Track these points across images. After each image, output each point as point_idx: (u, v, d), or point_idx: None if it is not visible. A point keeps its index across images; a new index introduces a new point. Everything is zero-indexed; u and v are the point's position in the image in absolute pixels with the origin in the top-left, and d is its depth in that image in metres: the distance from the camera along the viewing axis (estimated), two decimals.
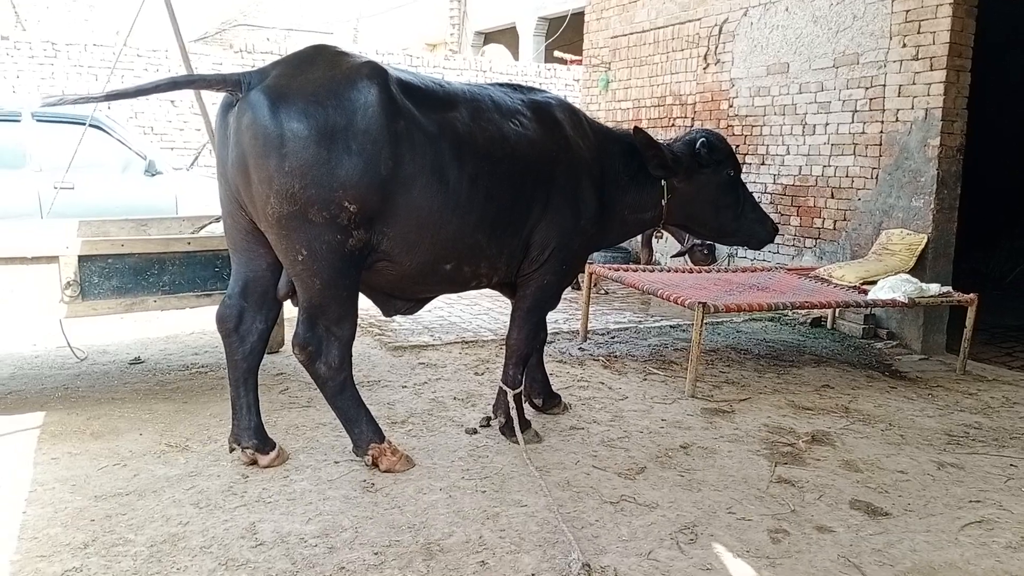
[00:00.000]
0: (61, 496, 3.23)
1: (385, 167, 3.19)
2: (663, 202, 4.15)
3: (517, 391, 3.98)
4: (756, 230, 4.51)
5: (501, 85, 3.95)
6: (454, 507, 3.21)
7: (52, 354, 5.37)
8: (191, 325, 6.22)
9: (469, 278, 3.73)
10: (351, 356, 3.52)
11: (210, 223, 5.21)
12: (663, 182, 4.12)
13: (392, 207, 3.26)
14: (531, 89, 4.03)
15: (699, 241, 8.03)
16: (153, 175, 8.23)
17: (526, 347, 4.01)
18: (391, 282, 3.60)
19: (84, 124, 7.64)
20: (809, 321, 7.01)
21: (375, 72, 3.26)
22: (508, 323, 4.06)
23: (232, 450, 3.59)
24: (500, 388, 4.01)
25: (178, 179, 8.36)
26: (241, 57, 12.72)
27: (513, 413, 3.93)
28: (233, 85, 3.21)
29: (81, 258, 3.86)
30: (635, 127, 4.10)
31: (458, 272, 3.64)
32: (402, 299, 3.82)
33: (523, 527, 3.06)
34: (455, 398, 4.62)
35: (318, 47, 3.46)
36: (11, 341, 5.66)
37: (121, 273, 3.98)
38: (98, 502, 3.18)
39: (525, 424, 3.98)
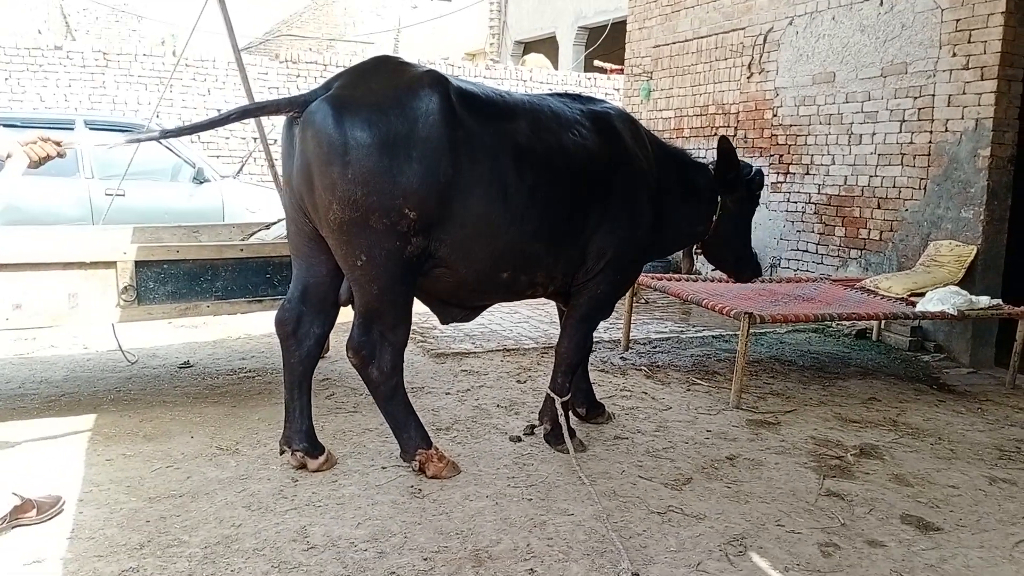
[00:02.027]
0: (116, 497, 3.30)
1: (444, 174, 3.23)
2: (714, 217, 4.24)
3: (565, 399, 3.99)
4: (755, 264, 4.74)
5: (560, 95, 3.99)
6: (501, 514, 3.23)
7: (104, 357, 5.49)
8: (238, 330, 6.32)
9: (526, 287, 3.76)
10: (403, 362, 3.56)
11: (259, 230, 5.29)
12: (719, 198, 4.21)
13: (450, 214, 3.30)
14: (590, 99, 4.07)
15: None
16: (201, 183, 8.40)
17: (576, 356, 4.03)
18: (448, 289, 3.63)
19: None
20: (854, 333, 6.92)
21: (436, 81, 3.31)
22: (553, 331, 4.08)
23: (282, 452, 3.64)
24: (547, 395, 4.03)
25: (225, 186, 8.52)
26: (287, 67, 12.92)
27: (561, 420, 3.93)
28: (301, 107, 3.27)
29: (138, 263, 3.95)
30: (722, 136, 4.24)
31: (515, 281, 3.66)
32: (459, 307, 3.85)
33: (571, 536, 3.07)
34: (498, 405, 4.65)
35: (380, 58, 3.57)
36: (64, 344, 5.81)
37: (176, 278, 4.07)
38: (152, 503, 3.25)
39: (570, 433, 3.98)
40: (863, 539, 3.17)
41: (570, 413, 4.27)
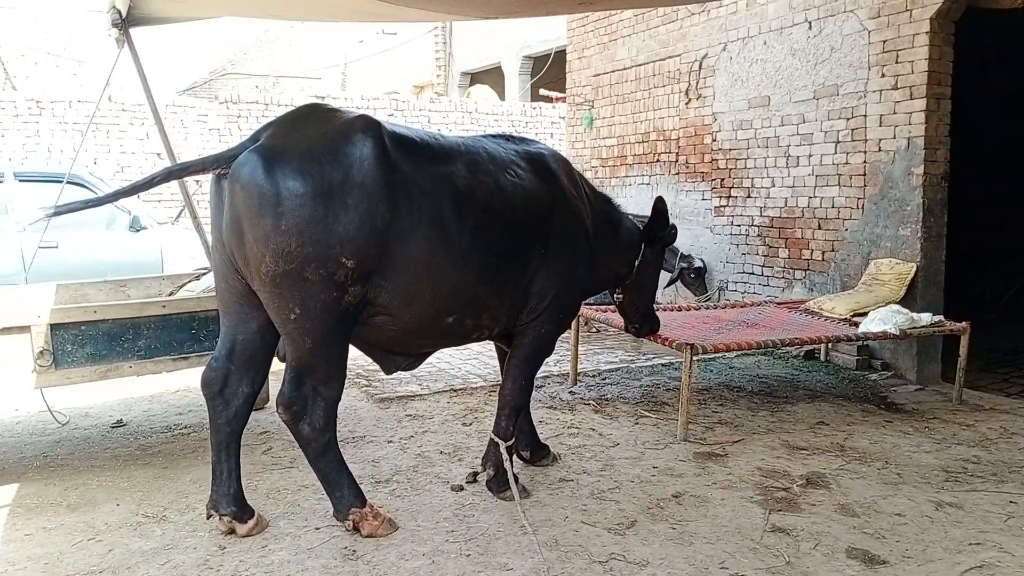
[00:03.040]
0: None
1: (382, 219, 3.15)
2: (636, 263, 4.36)
3: (509, 443, 3.89)
4: (656, 320, 4.86)
5: (495, 136, 4.00)
6: (437, 574, 3.11)
7: (33, 419, 5.27)
8: (176, 383, 6.12)
9: (471, 330, 3.69)
10: (336, 417, 3.44)
11: (189, 281, 5.14)
12: (641, 247, 4.35)
13: (390, 260, 3.22)
14: (524, 140, 4.09)
15: (685, 265, 8.02)
16: (138, 230, 8.21)
17: (520, 398, 3.96)
18: (392, 338, 3.54)
19: (63, 182, 7.65)
20: (803, 354, 6.93)
21: (369, 126, 3.24)
22: (500, 371, 4.01)
23: (209, 516, 3.49)
24: (491, 440, 3.93)
25: (163, 233, 8.32)
26: (227, 108, 12.76)
27: (506, 465, 3.83)
28: (229, 162, 3.16)
29: (53, 326, 3.79)
30: (659, 197, 4.41)
31: (460, 325, 3.59)
32: (402, 354, 3.76)
33: None
34: (442, 452, 4.53)
35: (310, 105, 3.47)
36: None
37: (95, 340, 3.91)
38: None
39: (514, 478, 3.88)
40: None
41: (514, 457, 4.18)
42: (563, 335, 6.88)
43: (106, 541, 3.44)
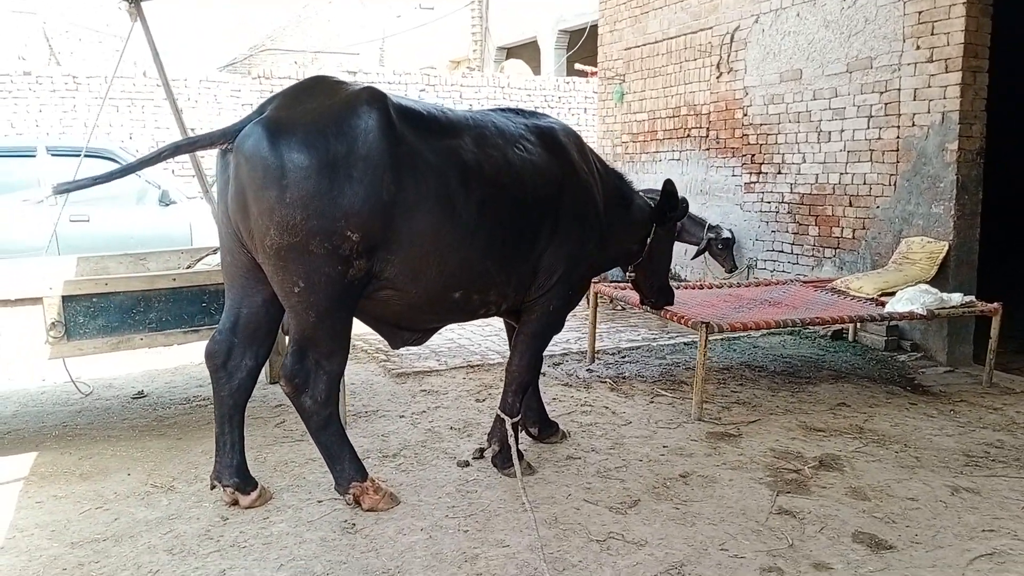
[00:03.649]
0: (38, 543, 3.18)
1: (387, 192, 3.13)
2: (648, 240, 4.29)
3: (515, 420, 3.88)
4: (670, 292, 4.76)
5: (504, 110, 3.94)
6: (433, 549, 3.11)
7: (58, 389, 5.38)
8: (200, 356, 6.18)
9: (478, 306, 3.66)
10: (338, 391, 3.44)
11: (207, 255, 5.18)
12: (652, 224, 4.29)
13: (395, 234, 3.20)
14: (534, 114, 4.02)
15: (713, 235, 7.89)
16: (167, 204, 8.29)
17: (527, 375, 3.93)
18: (398, 312, 3.52)
19: (98, 156, 7.76)
20: (830, 334, 6.78)
21: (374, 97, 3.21)
22: (509, 346, 4.00)
23: (213, 487, 3.52)
24: (497, 416, 3.91)
25: (192, 207, 8.40)
26: (260, 83, 12.83)
27: (511, 442, 3.81)
28: (234, 136, 3.15)
29: (65, 298, 3.84)
30: (667, 180, 4.29)
31: (467, 300, 3.56)
32: (409, 330, 3.74)
33: (501, 570, 2.94)
34: (452, 428, 4.52)
35: (316, 78, 3.45)
36: (22, 376, 5.69)
37: (107, 312, 3.95)
38: (74, 549, 3.13)
39: (519, 455, 3.86)
40: (809, 561, 3.04)
41: (521, 434, 4.16)
42: (581, 312, 6.89)
43: (113, 510, 3.49)
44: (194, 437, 4.42)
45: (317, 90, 3.29)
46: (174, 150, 3.44)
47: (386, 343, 3.83)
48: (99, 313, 3.92)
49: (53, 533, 3.28)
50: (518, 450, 3.87)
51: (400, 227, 3.21)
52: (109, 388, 5.44)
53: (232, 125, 3.25)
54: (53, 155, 7.95)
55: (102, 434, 4.49)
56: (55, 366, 5.43)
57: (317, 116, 3.12)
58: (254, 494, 3.48)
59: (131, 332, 4.01)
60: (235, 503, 3.47)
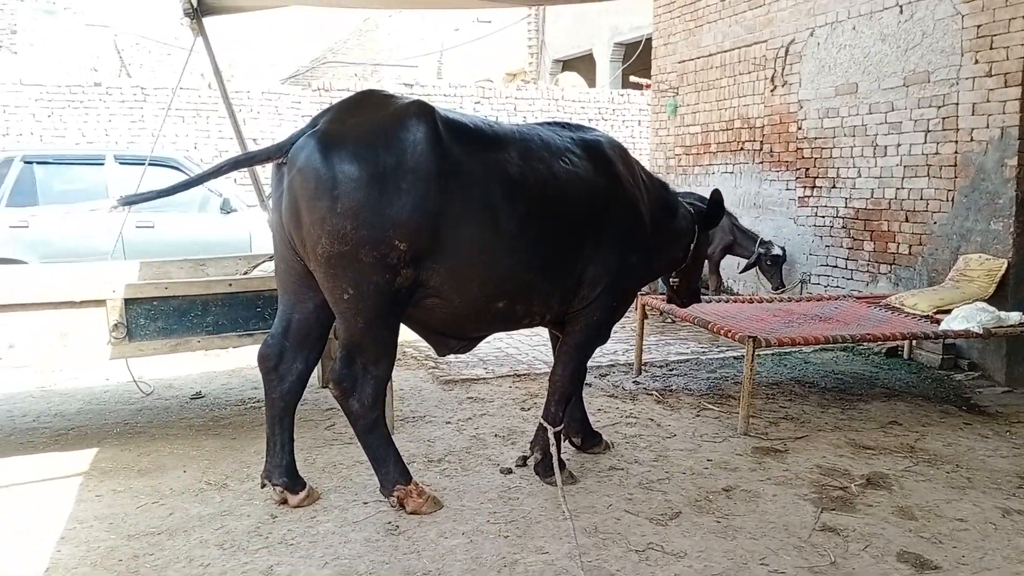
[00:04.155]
0: (96, 535, 3.32)
1: (434, 203, 3.22)
2: (691, 246, 4.30)
3: (558, 429, 3.91)
4: (698, 291, 4.83)
5: (550, 124, 4.00)
6: (473, 553, 3.16)
7: (121, 389, 5.58)
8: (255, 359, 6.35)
9: (522, 316, 3.72)
10: (385, 395, 3.53)
11: (264, 261, 5.34)
12: (696, 230, 4.31)
13: (442, 244, 3.28)
14: (580, 127, 4.06)
15: (763, 251, 7.82)
16: (228, 212, 8.54)
17: (571, 385, 3.97)
18: (443, 320, 3.60)
19: (163, 165, 8.05)
20: (884, 351, 6.67)
21: (423, 111, 3.31)
22: (553, 356, 4.05)
23: (263, 486, 3.64)
24: (540, 424, 3.95)
25: (252, 215, 8.64)
26: (319, 96, 13.13)
27: (552, 451, 3.85)
28: (288, 151, 3.28)
29: (127, 301, 4.00)
30: (715, 190, 4.34)
31: (510, 310, 3.62)
32: (455, 337, 3.81)
33: None
34: (496, 435, 4.58)
35: (365, 92, 3.57)
36: (88, 375, 5.92)
37: (166, 315, 4.11)
38: (130, 541, 3.26)
39: (560, 465, 3.90)
40: None
41: (564, 443, 4.19)
42: (628, 324, 6.90)
43: (168, 505, 3.63)
44: (247, 437, 4.55)
45: (367, 104, 3.40)
46: (232, 165, 3.60)
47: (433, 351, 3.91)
48: (159, 316, 4.08)
49: (111, 525, 3.42)
50: (560, 459, 3.90)
51: (446, 237, 3.28)
52: (169, 388, 5.63)
53: (286, 139, 3.38)
54: (121, 163, 8.25)
55: (160, 432, 4.66)
56: (118, 366, 5.64)
57: (367, 129, 3.22)
58: (302, 493, 3.58)
59: (189, 335, 4.17)
60: (284, 502, 3.57)
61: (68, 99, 11.91)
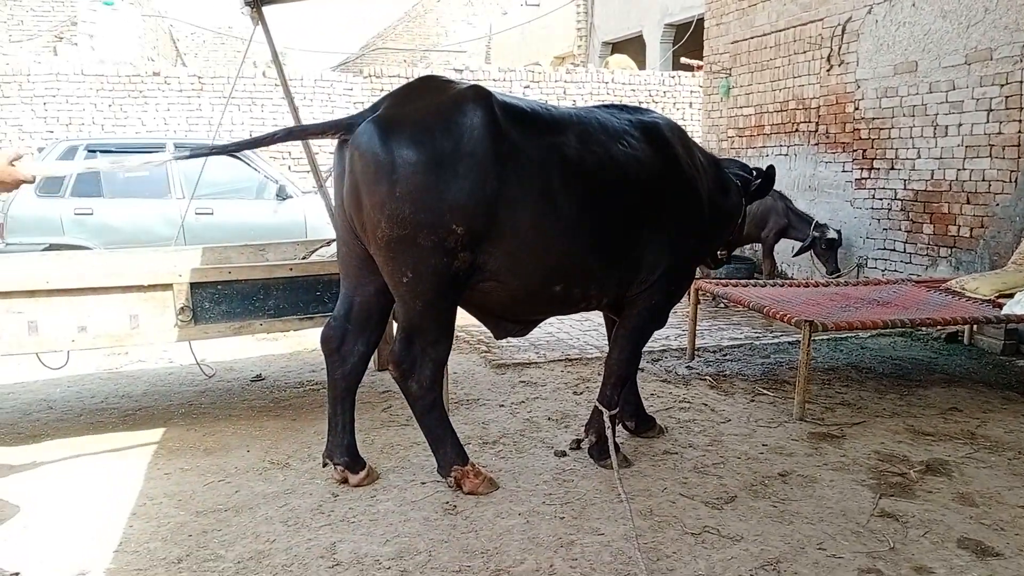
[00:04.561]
0: (166, 511, 3.45)
1: (491, 187, 3.25)
2: (739, 221, 4.29)
3: (613, 412, 3.92)
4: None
5: (608, 106, 3.99)
6: (530, 533, 3.21)
7: (184, 371, 5.75)
8: (314, 342, 6.49)
9: (579, 300, 3.74)
10: (443, 377, 3.59)
11: (321, 247, 5.44)
12: (744, 204, 4.29)
13: (498, 228, 3.31)
14: (638, 109, 4.05)
15: (818, 234, 7.70)
16: (284, 199, 8.69)
17: (627, 368, 3.98)
18: (500, 303, 3.64)
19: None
20: (944, 337, 6.54)
21: (480, 96, 3.33)
22: (608, 339, 4.06)
23: (325, 465, 3.73)
24: (595, 407, 3.98)
25: (307, 202, 8.79)
26: (371, 82, 13.24)
27: (607, 434, 3.86)
28: (346, 130, 3.35)
29: (193, 285, 4.13)
30: (771, 165, 4.32)
31: (567, 294, 3.64)
32: (512, 321, 3.85)
33: (596, 557, 3.02)
34: (550, 418, 4.62)
35: (426, 78, 3.62)
36: (152, 358, 6.12)
37: (230, 298, 4.23)
38: (198, 517, 3.38)
39: (616, 447, 3.92)
40: (910, 565, 2.99)
41: (618, 427, 4.21)
42: (681, 309, 6.87)
43: (234, 483, 3.75)
44: (307, 419, 4.66)
45: (426, 89, 3.44)
46: (287, 134, 3.69)
47: (489, 334, 3.95)
48: (223, 299, 4.20)
49: (180, 502, 3.55)
50: (615, 442, 3.93)
51: (503, 221, 3.31)
52: (230, 371, 5.78)
53: (344, 118, 3.44)
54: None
55: (223, 413, 4.80)
56: (181, 350, 5.82)
57: (425, 114, 3.26)
58: (362, 473, 3.67)
59: (252, 318, 4.28)
60: (345, 481, 3.67)
61: (128, 89, 12.22)
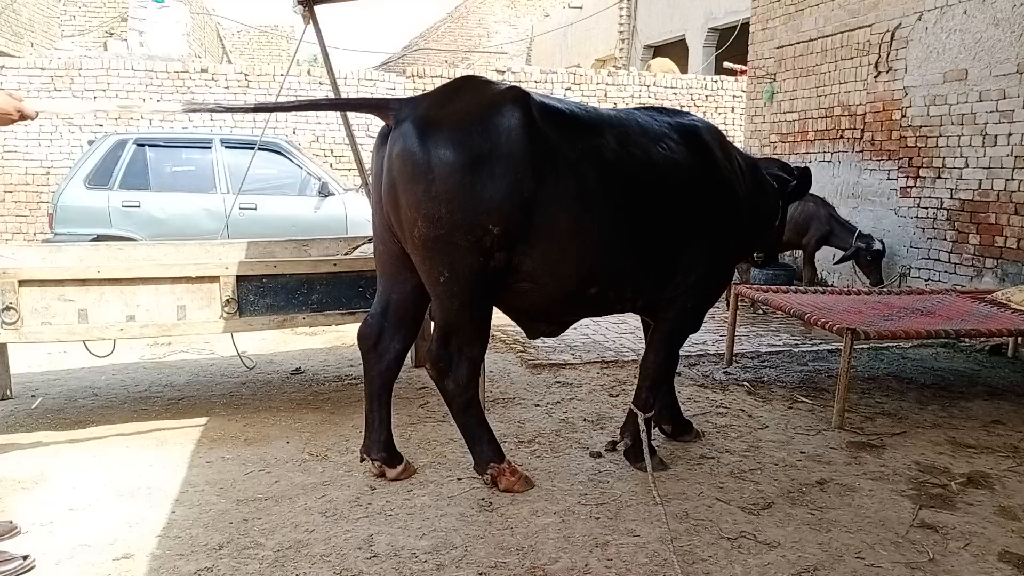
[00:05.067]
0: (208, 498, 3.52)
1: (527, 189, 3.25)
2: (776, 223, 4.29)
3: (649, 415, 3.93)
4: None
5: (647, 109, 3.98)
6: (565, 532, 3.22)
7: (225, 363, 5.85)
8: (351, 337, 6.57)
9: (614, 302, 3.74)
10: (479, 376, 3.61)
11: (363, 243, 5.50)
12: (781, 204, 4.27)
13: (535, 229, 3.32)
14: (678, 112, 4.05)
15: (863, 245, 7.59)
16: (326, 196, 8.79)
17: (662, 371, 3.97)
18: (535, 304, 3.64)
19: (266, 149, 8.37)
20: (987, 349, 6.43)
21: (518, 98, 3.34)
22: (644, 340, 4.06)
23: (363, 460, 3.78)
24: (631, 410, 3.98)
25: (348, 199, 8.89)
26: (413, 82, 13.33)
27: (642, 436, 3.87)
28: (376, 107, 3.41)
29: (239, 278, 4.20)
30: (806, 167, 4.33)
31: (603, 296, 3.65)
32: (546, 322, 3.85)
33: (631, 558, 3.02)
34: (585, 419, 4.63)
35: (466, 78, 3.64)
36: (194, 350, 6.24)
37: (274, 292, 4.30)
38: (239, 506, 3.45)
39: (651, 450, 3.93)
40: None
41: (654, 430, 4.21)
42: (719, 314, 6.83)
43: (274, 473, 3.81)
44: (345, 412, 4.72)
45: (465, 90, 3.45)
46: (311, 105, 3.81)
47: (523, 334, 3.97)
48: (268, 293, 4.28)
49: (221, 490, 3.62)
50: (651, 445, 3.93)
51: (539, 223, 3.31)
52: (270, 364, 5.87)
53: (379, 98, 3.48)
54: (227, 147, 8.60)
55: (264, 404, 4.88)
56: (223, 341, 5.93)
57: (463, 115, 3.27)
58: (399, 468, 3.71)
59: (295, 312, 4.35)
60: (382, 475, 3.71)
61: (176, 84, 12.44)
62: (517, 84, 3.62)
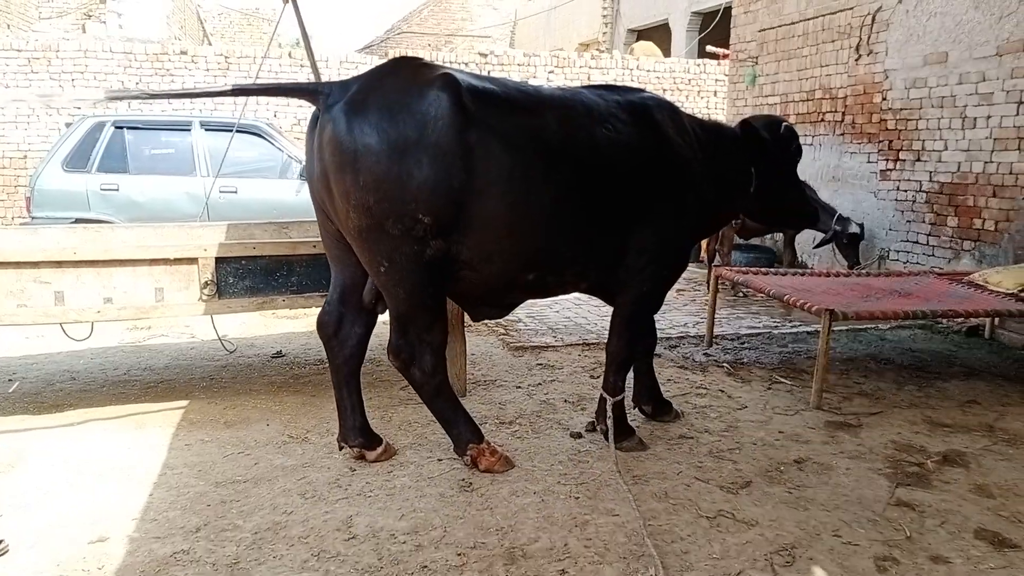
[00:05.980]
0: (186, 481, 3.50)
1: (457, 179, 3.17)
2: (751, 190, 4.08)
3: (617, 399, 3.90)
4: (814, 211, 4.87)
5: (595, 87, 3.84)
6: (544, 512, 3.23)
7: (206, 346, 5.81)
8: None
9: (555, 286, 3.70)
10: (445, 361, 3.57)
11: None
12: (752, 169, 4.06)
13: (467, 218, 3.24)
14: (628, 89, 3.90)
15: (840, 228, 7.60)
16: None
17: (627, 353, 3.93)
18: (473, 290, 3.56)
19: (246, 132, 8.28)
20: (964, 330, 6.49)
21: (446, 84, 3.22)
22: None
23: (341, 448, 3.75)
24: (601, 395, 3.98)
25: None
26: None
27: (609, 422, 3.85)
28: (307, 92, 3.34)
29: (218, 259, 4.17)
30: (744, 120, 4.13)
31: (541, 281, 3.60)
32: (487, 305, 3.78)
33: (610, 537, 3.04)
34: (566, 400, 4.64)
35: (399, 60, 3.49)
36: (174, 333, 6.20)
37: (254, 274, 4.27)
38: (217, 488, 3.43)
39: (629, 432, 3.93)
40: (927, 554, 2.99)
41: (636, 411, 4.23)
42: (700, 297, 6.84)
43: (253, 455, 3.80)
44: (326, 395, 4.66)
45: (397, 74, 3.32)
46: (238, 92, 3.77)
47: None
48: (247, 274, 4.24)
49: (200, 473, 3.60)
50: (628, 426, 3.95)
51: (472, 211, 3.23)
52: (251, 347, 5.84)
53: (309, 83, 3.45)
54: (207, 130, 8.50)
55: (244, 388, 4.85)
56: (203, 325, 5.89)
57: (390, 101, 3.16)
58: (379, 449, 3.70)
59: (275, 293, 4.32)
60: (362, 457, 3.70)
61: (155, 67, 12.29)
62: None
